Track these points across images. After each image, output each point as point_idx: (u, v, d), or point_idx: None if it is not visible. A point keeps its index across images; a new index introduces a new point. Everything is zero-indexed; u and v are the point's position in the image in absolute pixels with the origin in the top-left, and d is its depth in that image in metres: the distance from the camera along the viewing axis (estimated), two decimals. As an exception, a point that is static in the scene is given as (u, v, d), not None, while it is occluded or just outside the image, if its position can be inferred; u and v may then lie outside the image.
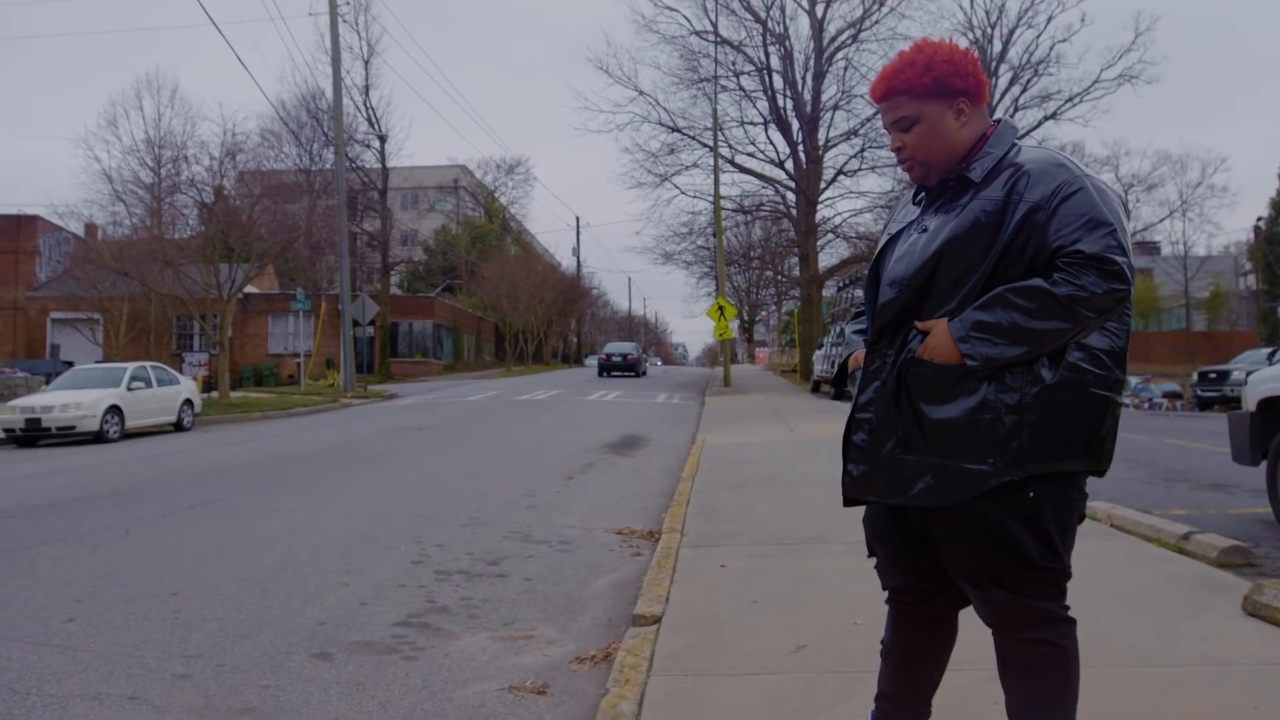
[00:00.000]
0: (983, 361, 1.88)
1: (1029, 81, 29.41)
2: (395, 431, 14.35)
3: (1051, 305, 1.83)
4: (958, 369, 1.91)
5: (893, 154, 2.12)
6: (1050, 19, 33.64)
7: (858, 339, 2.30)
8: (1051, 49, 29.20)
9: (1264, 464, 5.92)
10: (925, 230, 2.02)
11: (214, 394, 23.11)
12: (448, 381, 35.06)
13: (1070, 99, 29.08)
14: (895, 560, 2.16)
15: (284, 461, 10.78)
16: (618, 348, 41.28)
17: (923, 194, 2.15)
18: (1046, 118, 29.40)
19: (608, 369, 38.80)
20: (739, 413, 17.82)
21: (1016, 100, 29.44)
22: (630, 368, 38.91)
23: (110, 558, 5.53)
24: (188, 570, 5.14)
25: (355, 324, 27.10)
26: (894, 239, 2.14)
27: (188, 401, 17.62)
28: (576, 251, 60.80)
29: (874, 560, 2.24)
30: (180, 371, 25.41)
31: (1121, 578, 4.26)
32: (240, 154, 23.64)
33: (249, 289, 37.01)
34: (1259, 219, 41.23)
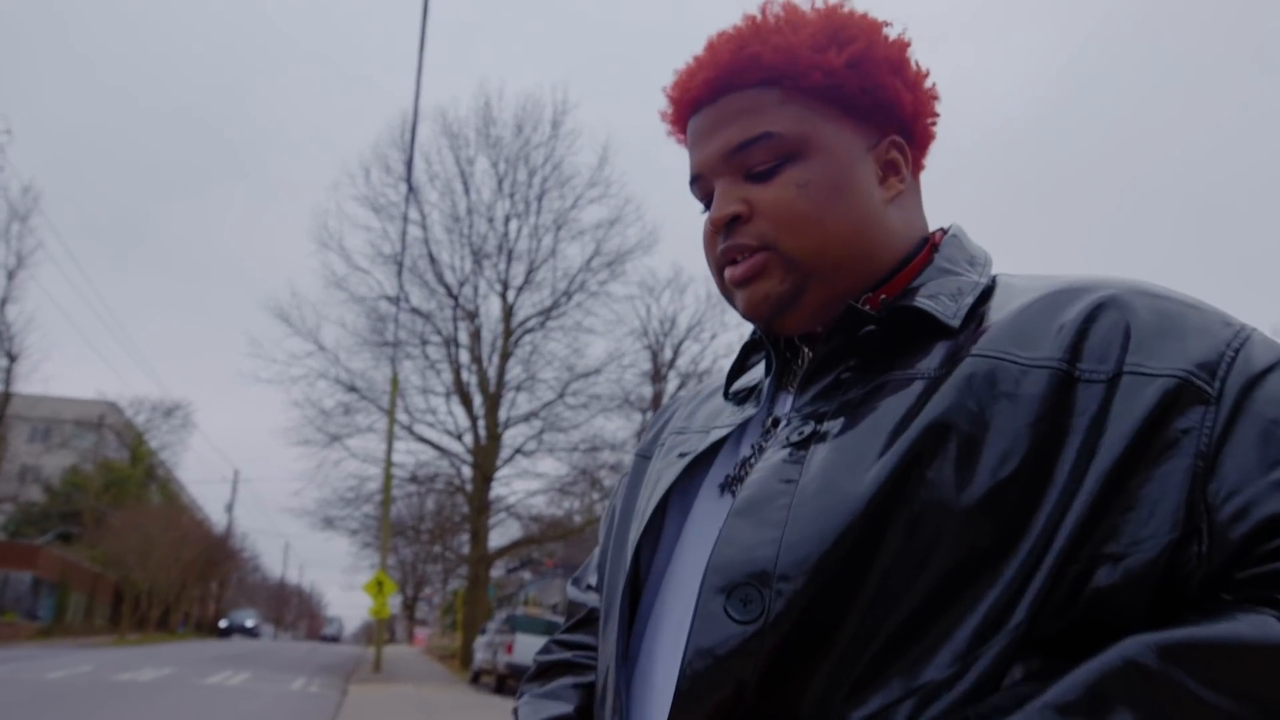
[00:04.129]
0: None
1: (696, 389, 31.63)
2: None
3: None
4: None
5: (717, 259, 0.87)
6: (714, 336, 36.86)
7: None
8: (714, 362, 31.78)
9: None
10: (815, 436, 0.77)
11: None
12: (38, 649, 29.08)
13: (731, 408, 31.44)
14: None
15: None
16: (329, 628, 72.13)
17: (757, 369, 0.96)
18: (710, 423, 31.54)
19: (322, 638, 64.43)
20: (383, 710, 15.74)
21: (685, 404, 31.40)
22: (335, 638, 66.36)
23: None
24: None
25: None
26: (698, 464, 0.88)
27: None
28: (230, 507, 55.63)
29: None
30: None
31: None
32: None
33: None
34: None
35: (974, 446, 0.70)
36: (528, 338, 29.27)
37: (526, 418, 28.97)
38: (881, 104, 0.85)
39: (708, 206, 0.88)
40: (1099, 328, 0.73)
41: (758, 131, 0.83)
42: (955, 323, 0.78)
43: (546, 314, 28.96)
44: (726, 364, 0.99)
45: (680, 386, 31.37)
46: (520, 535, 30.95)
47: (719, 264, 0.87)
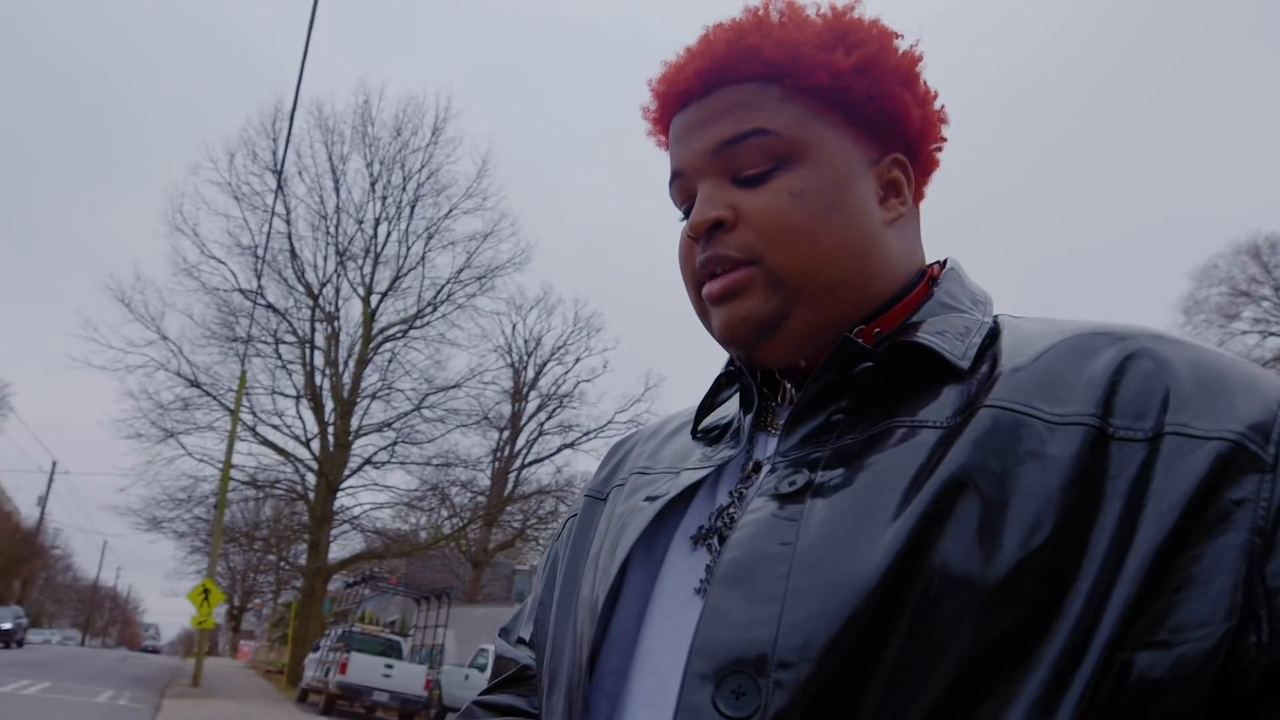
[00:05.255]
0: None
1: (554, 411, 31.61)
2: None
3: None
4: None
5: (694, 260, 0.76)
6: (578, 360, 36.89)
7: None
8: (576, 386, 31.84)
9: None
10: (810, 489, 0.66)
11: None
12: None
13: (588, 433, 31.95)
14: None
15: None
16: (149, 636, 57.67)
17: (727, 406, 0.85)
18: (566, 445, 31.95)
19: (144, 649, 60.47)
20: (198, 726, 14.79)
21: (542, 425, 31.43)
22: (156, 650, 63.08)
23: None
24: None
25: None
26: (667, 511, 0.75)
27: None
28: (43, 501, 51.71)
29: None
30: None
31: None
32: None
33: None
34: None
35: (998, 513, 0.60)
36: (388, 345, 28.47)
37: (380, 428, 28.13)
38: (888, 116, 0.77)
39: (686, 214, 0.79)
40: (1132, 380, 0.63)
41: (751, 126, 0.74)
42: (964, 364, 0.69)
43: (410, 323, 28.28)
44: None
45: (540, 408, 31.25)
46: (363, 549, 29.93)
47: (697, 278, 0.76)
